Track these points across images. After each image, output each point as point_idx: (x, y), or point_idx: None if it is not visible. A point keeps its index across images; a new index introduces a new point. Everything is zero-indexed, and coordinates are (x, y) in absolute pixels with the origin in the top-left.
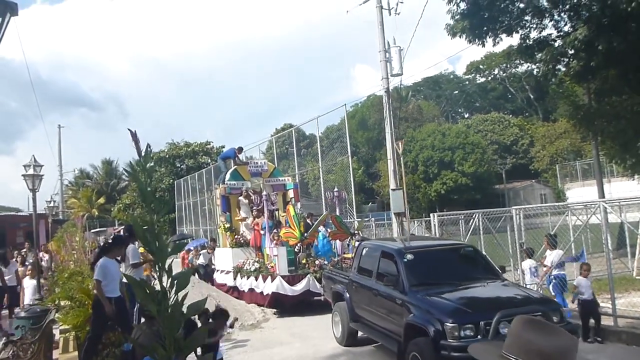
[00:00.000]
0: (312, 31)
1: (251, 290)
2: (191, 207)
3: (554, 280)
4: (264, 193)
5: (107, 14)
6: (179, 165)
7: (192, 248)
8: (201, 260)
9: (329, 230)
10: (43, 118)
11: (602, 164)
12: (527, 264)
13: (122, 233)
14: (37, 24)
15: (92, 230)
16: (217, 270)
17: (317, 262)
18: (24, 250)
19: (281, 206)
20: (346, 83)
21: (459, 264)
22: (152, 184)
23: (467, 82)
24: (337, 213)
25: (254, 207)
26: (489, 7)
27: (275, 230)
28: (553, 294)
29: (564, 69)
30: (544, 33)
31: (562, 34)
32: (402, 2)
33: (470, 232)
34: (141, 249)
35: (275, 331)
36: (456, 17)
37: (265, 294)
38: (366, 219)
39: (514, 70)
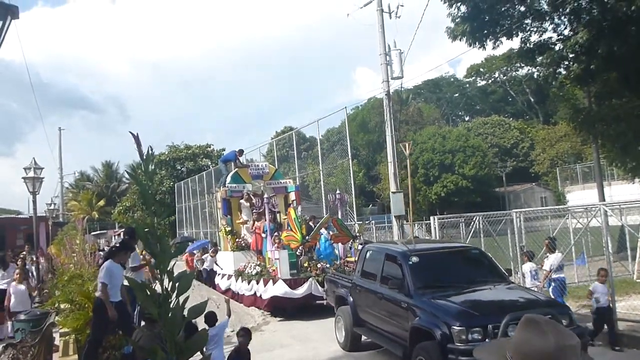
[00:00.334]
0: (312, 34)
1: (252, 294)
2: (191, 210)
3: (553, 284)
4: (265, 196)
5: (108, 16)
6: (179, 167)
7: (195, 252)
8: (206, 264)
9: (330, 233)
10: (43, 120)
11: (603, 167)
12: (528, 267)
13: (122, 236)
14: (38, 26)
15: (93, 233)
16: (219, 275)
17: (319, 265)
18: (24, 252)
19: (282, 209)
20: (347, 86)
21: (465, 267)
22: (153, 186)
23: (467, 85)
24: (339, 216)
25: (255, 210)
26: (489, 11)
27: (276, 234)
28: (553, 297)
29: (564, 72)
30: (545, 36)
31: (562, 37)
32: (402, 6)
33: (470, 235)
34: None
35: (275, 334)
36: (457, 21)
37: (266, 297)
38: (367, 222)
39: (514, 73)
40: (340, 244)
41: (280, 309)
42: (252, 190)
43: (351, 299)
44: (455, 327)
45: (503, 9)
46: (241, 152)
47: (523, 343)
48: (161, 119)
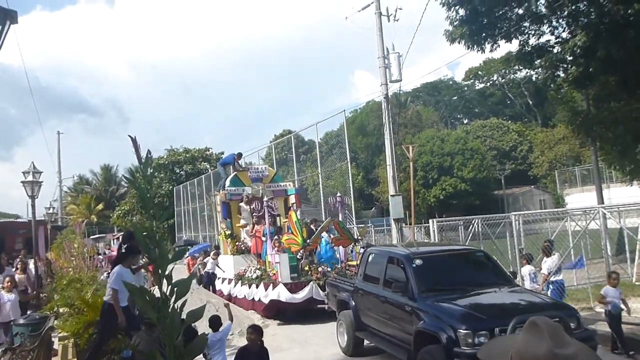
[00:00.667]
0: (311, 37)
1: (253, 298)
2: (190, 213)
3: (551, 287)
4: (265, 199)
5: (106, 19)
6: (178, 171)
7: (197, 255)
8: (208, 267)
9: (331, 236)
10: (42, 124)
11: (601, 169)
12: (527, 269)
13: (120, 240)
14: (37, 30)
15: (92, 237)
16: (219, 278)
17: (320, 269)
18: (20, 256)
19: (282, 212)
20: (345, 89)
21: (470, 269)
22: (152, 190)
23: (466, 88)
24: (340, 219)
25: (255, 214)
26: (487, 14)
27: (276, 237)
28: None
29: (562, 75)
30: (543, 39)
31: (560, 40)
32: (400, 9)
33: (469, 237)
34: None
35: (275, 337)
36: (455, 24)
37: (267, 301)
38: (368, 225)
39: (512, 76)
40: (341, 247)
41: (281, 313)
42: (252, 194)
43: (353, 303)
44: (461, 331)
45: (501, 12)
46: (240, 155)
47: (523, 346)
48: (160, 120)
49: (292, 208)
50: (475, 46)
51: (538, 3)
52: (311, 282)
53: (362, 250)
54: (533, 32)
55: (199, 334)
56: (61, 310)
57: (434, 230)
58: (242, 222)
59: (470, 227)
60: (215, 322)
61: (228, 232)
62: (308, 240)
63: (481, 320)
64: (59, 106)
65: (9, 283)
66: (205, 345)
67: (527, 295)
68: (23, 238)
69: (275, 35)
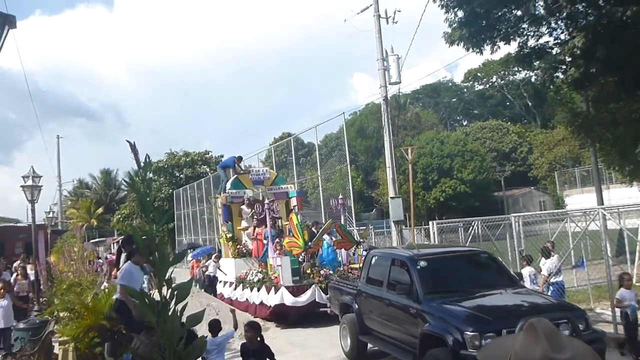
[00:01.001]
0: (310, 40)
1: (254, 302)
2: (190, 217)
3: (551, 288)
4: (267, 201)
5: (105, 23)
6: (177, 174)
7: (200, 258)
8: (210, 270)
9: (333, 238)
10: (41, 128)
11: (601, 170)
12: (527, 271)
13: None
14: (36, 35)
15: (92, 241)
16: (221, 282)
17: (322, 271)
18: (19, 261)
19: (284, 214)
20: (345, 91)
21: (475, 271)
22: (151, 194)
23: (465, 90)
24: (341, 221)
25: (256, 217)
26: (486, 15)
27: (277, 240)
28: None
29: (561, 77)
30: (542, 41)
31: (559, 41)
32: (399, 11)
33: (469, 239)
34: None
35: (275, 340)
36: (454, 26)
37: (270, 305)
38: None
39: (511, 77)
40: (343, 250)
41: (283, 316)
42: (253, 196)
43: (356, 306)
44: (468, 333)
45: (500, 14)
46: (240, 158)
47: (519, 348)
48: (160, 123)
49: (293, 210)
50: (474, 48)
51: (536, 5)
52: (313, 285)
53: (364, 253)
54: (532, 33)
55: (199, 337)
56: (61, 314)
57: (434, 232)
58: (243, 224)
59: (470, 228)
60: (214, 327)
61: (229, 235)
62: (310, 243)
63: (488, 322)
64: (59, 110)
65: (1, 290)
66: (204, 348)
67: (534, 297)
68: (23, 242)
69: (274, 38)
